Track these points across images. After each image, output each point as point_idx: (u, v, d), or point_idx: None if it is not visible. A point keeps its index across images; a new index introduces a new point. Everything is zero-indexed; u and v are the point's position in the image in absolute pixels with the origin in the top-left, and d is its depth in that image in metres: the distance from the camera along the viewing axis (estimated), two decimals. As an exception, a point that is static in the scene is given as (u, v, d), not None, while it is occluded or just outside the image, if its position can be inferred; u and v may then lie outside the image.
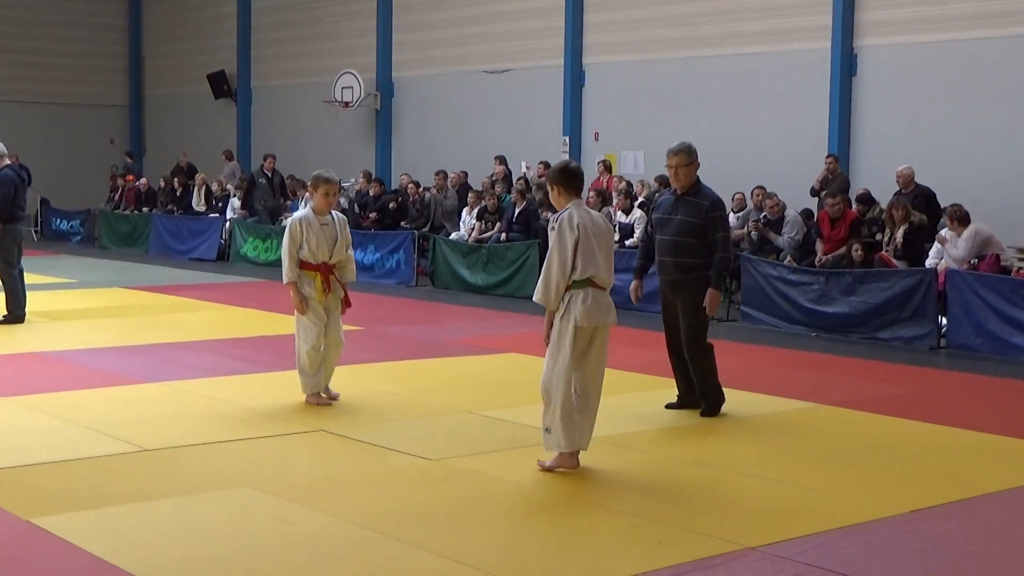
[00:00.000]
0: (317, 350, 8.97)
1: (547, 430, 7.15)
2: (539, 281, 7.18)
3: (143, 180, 27.58)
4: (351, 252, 9.27)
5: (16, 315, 13.33)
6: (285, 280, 8.97)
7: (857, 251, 14.04)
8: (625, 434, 8.28)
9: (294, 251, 8.90)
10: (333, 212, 9.16)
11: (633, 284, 9.30)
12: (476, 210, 18.98)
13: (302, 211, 9.15)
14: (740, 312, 14.67)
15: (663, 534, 6.02)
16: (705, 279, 8.80)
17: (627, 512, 6.39)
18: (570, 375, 7.07)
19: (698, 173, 8.96)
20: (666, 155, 8.92)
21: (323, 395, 9.12)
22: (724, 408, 9.12)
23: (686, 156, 8.82)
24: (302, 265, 8.92)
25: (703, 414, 8.95)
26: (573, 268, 7.04)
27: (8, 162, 13.44)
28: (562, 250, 7.04)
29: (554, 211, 7.35)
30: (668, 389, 9.30)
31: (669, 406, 9.12)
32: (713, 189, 9.02)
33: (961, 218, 13.48)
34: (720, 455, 7.69)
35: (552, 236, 7.13)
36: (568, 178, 7.22)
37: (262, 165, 23.34)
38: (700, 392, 9.03)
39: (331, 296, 9.02)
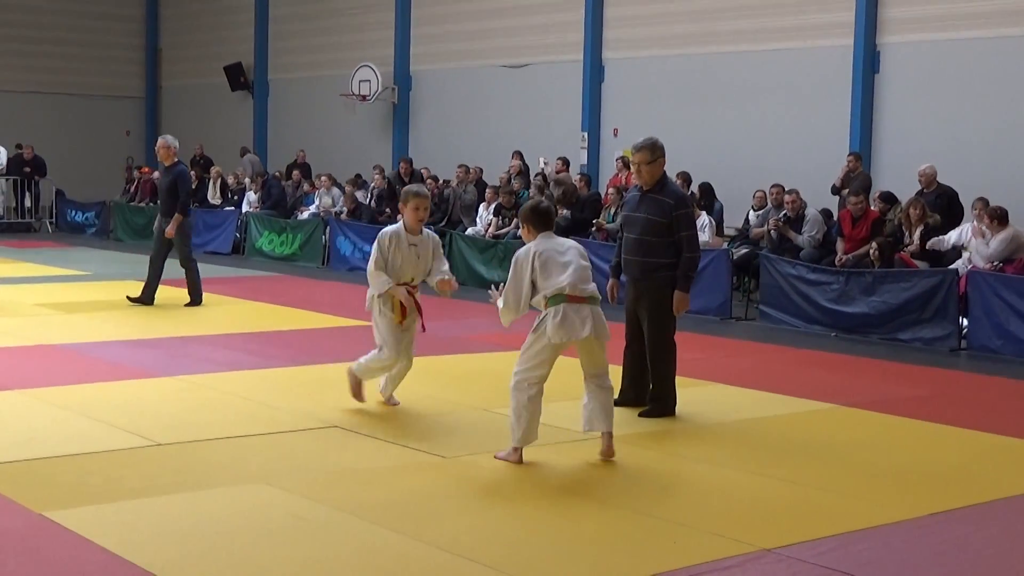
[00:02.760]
0: (392, 363, 8.61)
1: (512, 426, 7.38)
2: (502, 309, 7.50)
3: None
4: (446, 267, 8.71)
5: (195, 300, 14.58)
6: (380, 291, 8.35)
7: (874, 251, 14.00)
8: (637, 433, 8.29)
9: (381, 264, 8.38)
10: (426, 231, 8.56)
11: (609, 283, 9.22)
12: (493, 206, 18.99)
13: (395, 225, 8.52)
14: (759, 311, 14.66)
15: (677, 534, 6.03)
16: (670, 279, 8.66)
17: (641, 512, 6.39)
18: (534, 378, 7.31)
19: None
20: (631, 151, 8.89)
21: (388, 400, 8.91)
22: (740, 408, 9.10)
23: (648, 153, 8.66)
24: None
25: (645, 414, 8.72)
26: (536, 289, 7.32)
27: (177, 158, 14.73)
28: (517, 285, 7.34)
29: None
30: (680, 388, 9.25)
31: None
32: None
33: (1000, 218, 13.43)
34: (735, 455, 7.69)
35: (511, 270, 7.37)
36: (537, 216, 7.51)
37: (398, 171, 21.78)
38: (654, 394, 8.81)
39: (408, 319, 8.55)
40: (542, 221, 7.50)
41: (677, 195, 8.82)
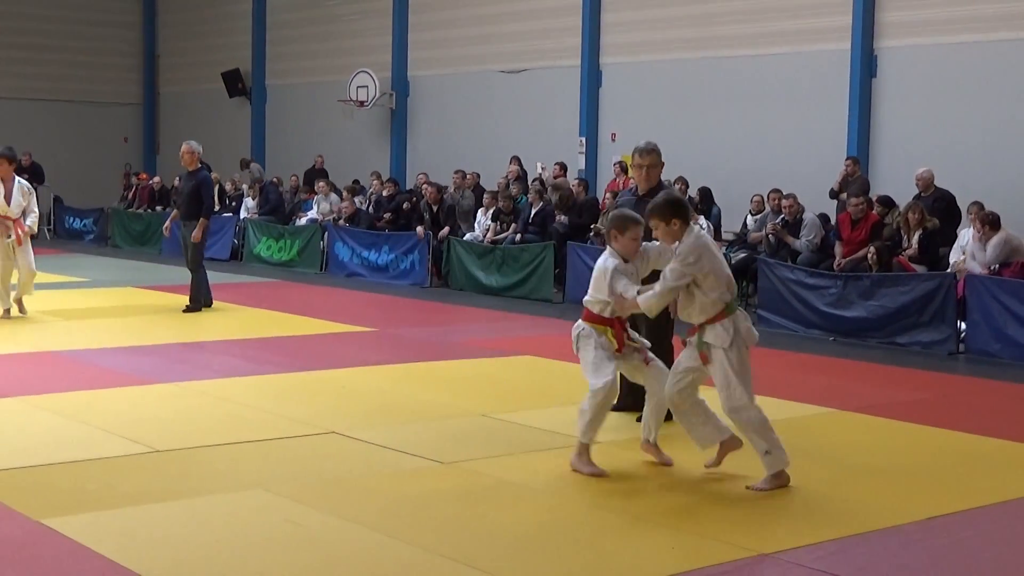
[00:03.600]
0: (610, 393, 7.23)
1: (767, 452, 7.00)
2: (649, 296, 6.95)
3: (156, 179, 27.71)
4: (669, 280, 6.99)
5: (206, 303, 14.83)
6: (629, 293, 7.08)
7: (871, 255, 14.00)
8: (636, 438, 8.28)
9: (622, 279, 7.17)
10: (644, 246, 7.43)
11: None
12: (491, 211, 18.98)
13: (611, 260, 7.25)
14: (757, 316, 14.65)
15: (675, 539, 6.02)
16: None
17: (639, 517, 6.39)
18: (752, 394, 7.08)
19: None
20: (635, 153, 8.73)
21: (653, 455, 7.52)
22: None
23: (657, 156, 8.67)
24: (591, 316, 7.30)
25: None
26: (701, 289, 6.90)
27: (201, 163, 15.01)
28: (681, 278, 6.88)
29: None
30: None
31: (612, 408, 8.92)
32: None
33: (992, 222, 13.44)
34: (733, 459, 7.67)
35: (674, 264, 6.89)
36: (684, 209, 6.98)
37: (426, 199, 19.94)
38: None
39: (625, 349, 7.42)
40: (687, 212, 6.97)
41: None
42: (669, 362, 8.82)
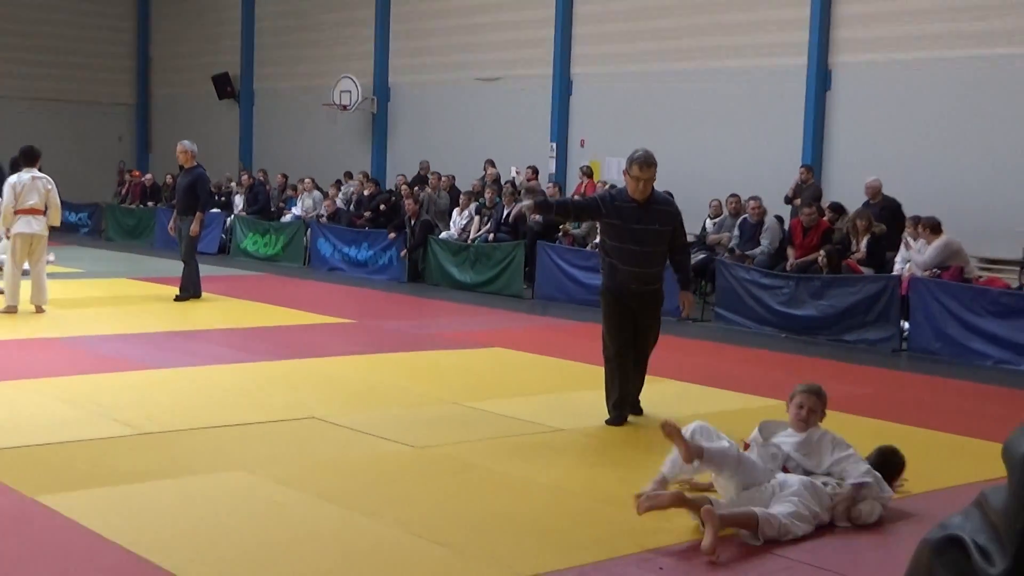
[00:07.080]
0: None
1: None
2: None
3: (148, 176, 27.60)
4: None
5: (195, 294, 14.88)
6: None
7: (822, 258, 14.08)
8: (595, 427, 8.32)
9: None
10: None
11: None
12: (473, 206, 18.93)
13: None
14: (714, 313, 14.73)
15: (639, 523, 6.04)
16: (661, 289, 8.57)
17: (609, 500, 6.41)
18: None
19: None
20: (634, 164, 8.25)
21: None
22: (698, 403, 9.15)
23: (656, 169, 8.31)
24: None
25: (633, 415, 8.58)
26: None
27: (196, 161, 15.05)
28: None
29: None
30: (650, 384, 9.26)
31: (615, 423, 8.48)
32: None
33: (933, 227, 13.52)
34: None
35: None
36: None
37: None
38: (635, 398, 8.64)
39: None
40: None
41: (671, 202, 8.63)
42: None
